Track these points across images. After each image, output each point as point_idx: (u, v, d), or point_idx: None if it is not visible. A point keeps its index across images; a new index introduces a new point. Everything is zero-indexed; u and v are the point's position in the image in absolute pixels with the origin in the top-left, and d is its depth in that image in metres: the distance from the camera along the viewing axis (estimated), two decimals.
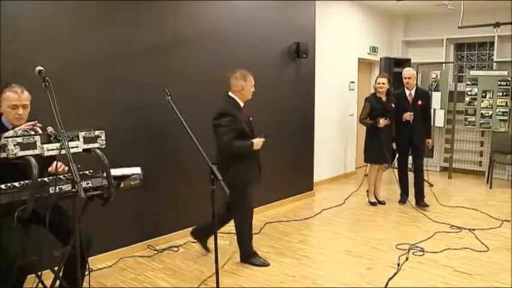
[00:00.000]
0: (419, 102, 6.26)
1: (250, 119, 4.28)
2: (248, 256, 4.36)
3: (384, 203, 6.56)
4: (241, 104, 4.18)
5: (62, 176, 2.70)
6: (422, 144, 6.37)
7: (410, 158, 6.56)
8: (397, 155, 6.61)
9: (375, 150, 6.23)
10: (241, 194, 4.18)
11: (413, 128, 6.24)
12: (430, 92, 8.17)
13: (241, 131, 4.05)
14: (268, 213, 5.92)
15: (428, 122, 6.54)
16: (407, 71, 6.38)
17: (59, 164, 2.68)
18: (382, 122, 6.03)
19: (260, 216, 5.82)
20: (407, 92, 6.31)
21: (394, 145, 6.46)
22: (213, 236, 3.51)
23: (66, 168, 2.72)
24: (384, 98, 6.16)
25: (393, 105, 6.16)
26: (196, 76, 5.01)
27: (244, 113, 4.19)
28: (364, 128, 6.50)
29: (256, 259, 4.34)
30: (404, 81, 6.31)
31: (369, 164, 6.54)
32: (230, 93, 4.18)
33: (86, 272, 3.14)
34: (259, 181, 4.37)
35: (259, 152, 4.20)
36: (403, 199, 6.56)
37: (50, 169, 2.85)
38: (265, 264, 4.28)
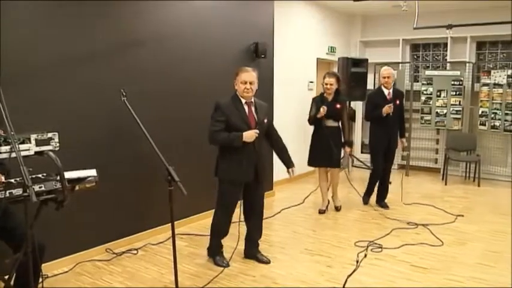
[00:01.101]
0: (397, 102, 6.14)
1: (265, 120, 4.21)
2: (214, 253, 4.36)
3: (339, 209, 6.24)
4: (243, 100, 4.11)
5: (13, 180, 2.61)
6: (396, 145, 6.28)
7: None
8: (372, 157, 6.48)
9: (315, 152, 6.00)
10: (225, 190, 4.19)
11: (391, 128, 6.15)
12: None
13: (230, 123, 4.01)
14: None
15: (403, 121, 6.45)
16: (386, 70, 6.18)
17: None
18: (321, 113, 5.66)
19: None
20: (385, 91, 6.14)
21: (347, 149, 6.09)
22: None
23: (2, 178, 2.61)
24: (329, 98, 5.81)
25: (338, 106, 5.78)
26: (155, 76, 4.96)
27: (247, 109, 4.12)
28: None
29: (219, 259, 4.32)
30: (383, 80, 6.13)
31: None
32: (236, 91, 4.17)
33: (40, 279, 3.05)
34: (254, 180, 4.24)
35: (254, 150, 4.13)
36: (367, 200, 6.54)
37: None
38: (224, 265, 4.25)
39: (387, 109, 5.95)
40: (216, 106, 4.06)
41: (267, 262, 4.38)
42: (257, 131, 4.06)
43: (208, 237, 4.42)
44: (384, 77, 6.12)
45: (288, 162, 4.44)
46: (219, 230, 4.35)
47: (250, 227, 4.42)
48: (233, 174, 4.13)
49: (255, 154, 4.15)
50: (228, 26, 5.89)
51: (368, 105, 6.39)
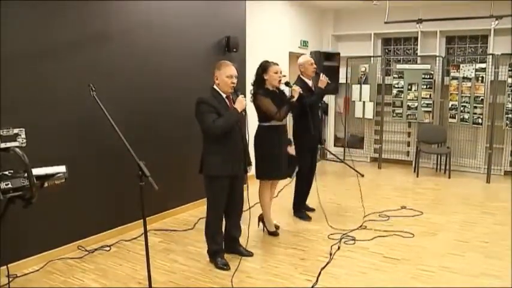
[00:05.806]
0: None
1: (243, 113, 4.13)
2: (212, 253, 4.22)
3: (277, 234, 5.05)
4: (223, 95, 4.04)
5: None
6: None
7: None
8: (300, 158, 5.22)
9: (279, 159, 4.89)
10: (217, 187, 4.06)
11: (319, 123, 5.48)
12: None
13: (219, 114, 3.93)
14: (202, 208, 5.87)
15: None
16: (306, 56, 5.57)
17: None
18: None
19: (194, 211, 5.80)
20: (309, 82, 5.38)
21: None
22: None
23: None
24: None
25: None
26: (125, 71, 4.90)
27: (228, 104, 4.05)
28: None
29: (220, 261, 4.15)
30: (311, 68, 5.38)
31: (259, 181, 5.02)
32: (214, 85, 4.08)
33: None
34: (242, 175, 4.27)
35: (242, 138, 4.14)
36: (305, 215, 5.60)
37: None
38: (225, 268, 4.08)
39: (323, 81, 5.22)
40: (200, 101, 3.93)
41: (250, 255, 4.38)
42: (242, 95, 4.04)
43: (178, 232, 4.36)
44: (311, 64, 5.39)
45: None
46: (216, 230, 4.21)
47: (230, 223, 4.36)
48: (227, 166, 4.03)
49: (243, 142, 4.16)
50: (199, 20, 5.83)
51: None
